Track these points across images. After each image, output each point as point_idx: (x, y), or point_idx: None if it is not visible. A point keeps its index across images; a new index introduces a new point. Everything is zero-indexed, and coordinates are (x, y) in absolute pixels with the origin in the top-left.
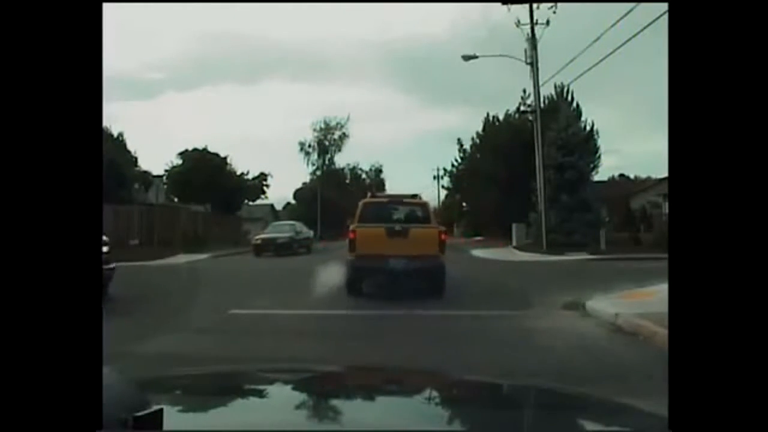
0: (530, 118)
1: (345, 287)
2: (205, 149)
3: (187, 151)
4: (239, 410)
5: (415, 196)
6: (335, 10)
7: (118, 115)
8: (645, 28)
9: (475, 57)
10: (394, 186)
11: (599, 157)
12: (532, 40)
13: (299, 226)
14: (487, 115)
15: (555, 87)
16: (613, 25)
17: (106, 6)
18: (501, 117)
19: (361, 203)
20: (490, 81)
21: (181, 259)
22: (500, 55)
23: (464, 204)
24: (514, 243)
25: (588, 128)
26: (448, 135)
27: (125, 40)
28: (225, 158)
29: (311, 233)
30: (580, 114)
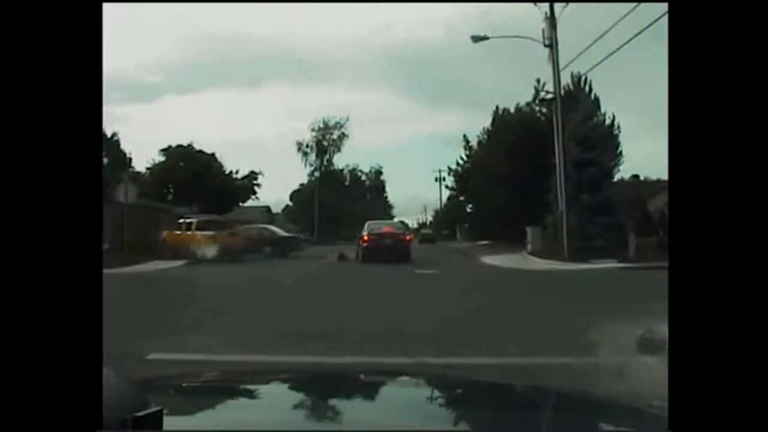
0: (543, 110)
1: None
2: (190, 145)
3: (170, 147)
4: (239, 410)
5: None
6: (335, 10)
7: (113, 115)
8: (645, 29)
9: (486, 38)
10: (394, 188)
11: (621, 153)
12: (551, 19)
13: (273, 228)
14: (497, 108)
15: (572, 77)
16: (615, 24)
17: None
18: (511, 110)
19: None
20: (490, 82)
21: (152, 266)
22: (514, 36)
23: (469, 206)
24: (529, 249)
25: (608, 122)
26: (449, 137)
27: (122, 41)
28: (212, 155)
29: (298, 236)
30: (599, 105)
